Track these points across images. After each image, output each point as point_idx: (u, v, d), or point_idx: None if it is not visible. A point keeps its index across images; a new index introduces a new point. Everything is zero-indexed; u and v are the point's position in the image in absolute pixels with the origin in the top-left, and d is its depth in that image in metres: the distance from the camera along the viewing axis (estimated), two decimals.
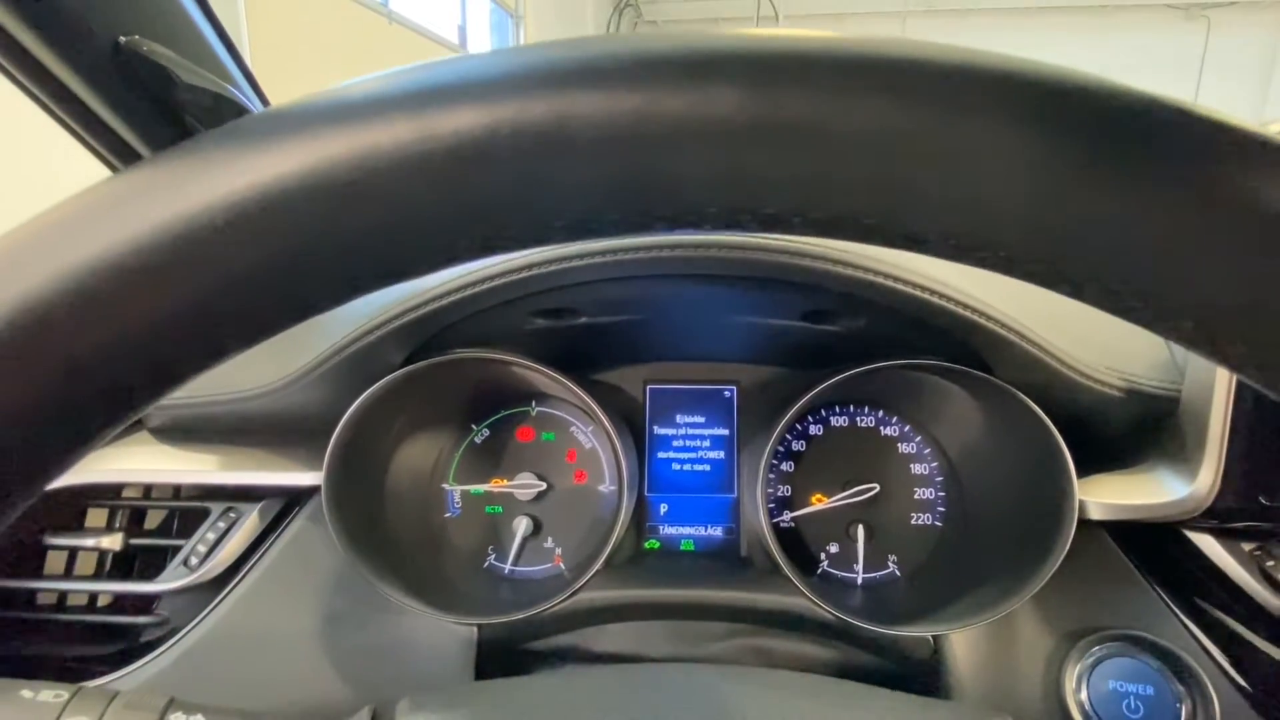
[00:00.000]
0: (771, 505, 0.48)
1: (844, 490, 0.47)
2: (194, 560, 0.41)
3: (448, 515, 0.48)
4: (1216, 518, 0.36)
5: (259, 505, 0.43)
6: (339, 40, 3.65)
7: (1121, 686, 0.38)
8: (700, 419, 0.50)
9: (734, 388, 0.49)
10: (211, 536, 0.42)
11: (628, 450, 0.45)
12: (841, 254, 0.36)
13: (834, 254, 0.36)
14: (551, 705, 0.32)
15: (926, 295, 0.36)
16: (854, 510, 0.47)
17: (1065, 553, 0.38)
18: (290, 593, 0.42)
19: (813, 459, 0.48)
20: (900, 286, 0.36)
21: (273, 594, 0.42)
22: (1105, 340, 0.40)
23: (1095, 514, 0.38)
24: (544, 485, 0.48)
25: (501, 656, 0.44)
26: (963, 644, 0.41)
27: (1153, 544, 0.39)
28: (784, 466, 0.49)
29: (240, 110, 0.40)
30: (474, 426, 0.48)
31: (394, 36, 4.27)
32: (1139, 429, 0.39)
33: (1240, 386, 0.35)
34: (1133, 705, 0.37)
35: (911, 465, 0.48)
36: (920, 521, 0.47)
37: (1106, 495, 0.38)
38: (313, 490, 0.40)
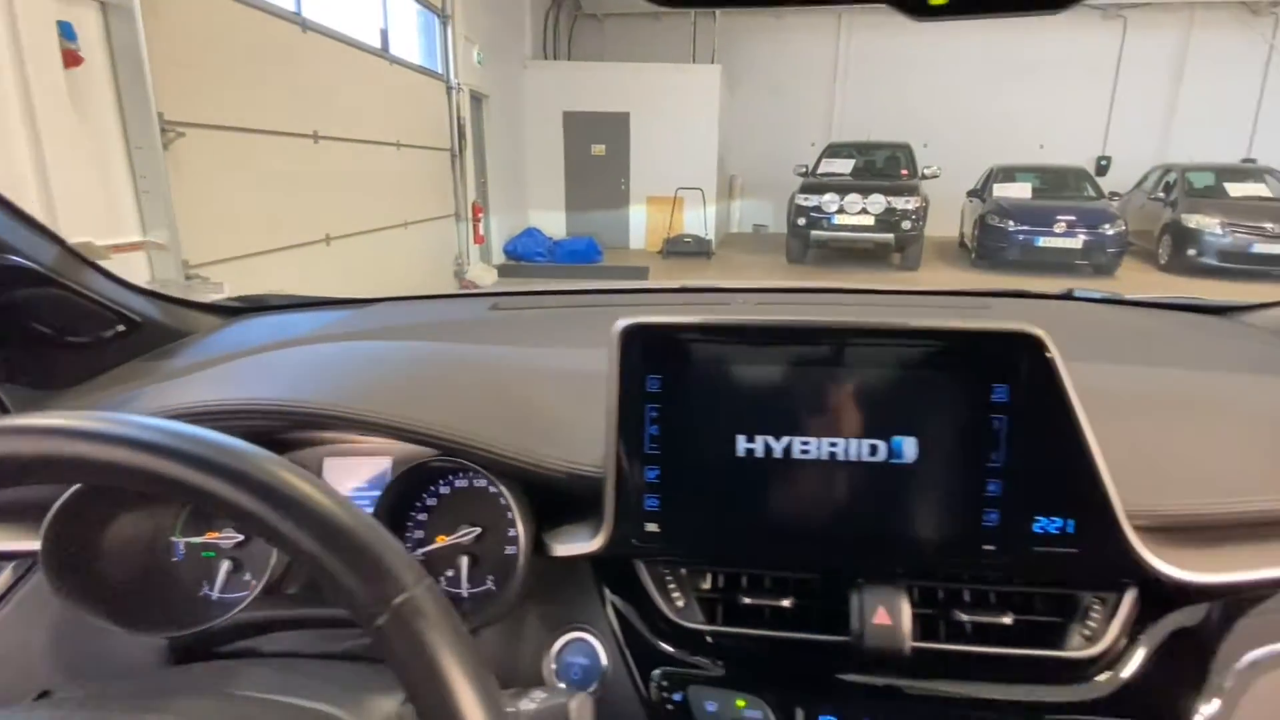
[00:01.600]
0: (409, 544, 0.69)
1: (457, 532, 0.68)
2: None
3: (175, 559, 0.68)
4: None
5: (11, 563, 0.62)
6: (249, 54, 3.72)
7: (574, 659, 0.60)
8: (364, 484, 0.71)
9: (390, 459, 0.70)
10: None
11: None
12: None
13: None
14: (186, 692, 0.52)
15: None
16: (464, 546, 0.68)
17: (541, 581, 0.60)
18: (22, 620, 0.62)
19: (440, 511, 0.69)
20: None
21: (11, 620, 0.62)
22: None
23: (559, 552, 0.60)
24: (241, 536, 0.68)
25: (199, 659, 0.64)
26: (487, 635, 0.62)
27: (606, 564, 0.61)
28: (420, 517, 0.70)
29: None
30: None
31: (310, 45, 4.34)
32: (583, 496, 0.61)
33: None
34: (576, 670, 0.60)
35: (507, 514, 0.69)
36: (508, 552, 0.69)
37: (561, 540, 0.60)
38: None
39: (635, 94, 8.87)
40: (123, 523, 0.64)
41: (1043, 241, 7.49)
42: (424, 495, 0.69)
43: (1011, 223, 7.61)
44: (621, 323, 0.55)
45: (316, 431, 0.68)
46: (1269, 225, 7.16)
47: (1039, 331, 0.52)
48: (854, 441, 0.54)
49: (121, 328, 0.82)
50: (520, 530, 0.59)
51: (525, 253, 8.27)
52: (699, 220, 8.94)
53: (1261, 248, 7.12)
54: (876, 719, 0.53)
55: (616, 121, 9.00)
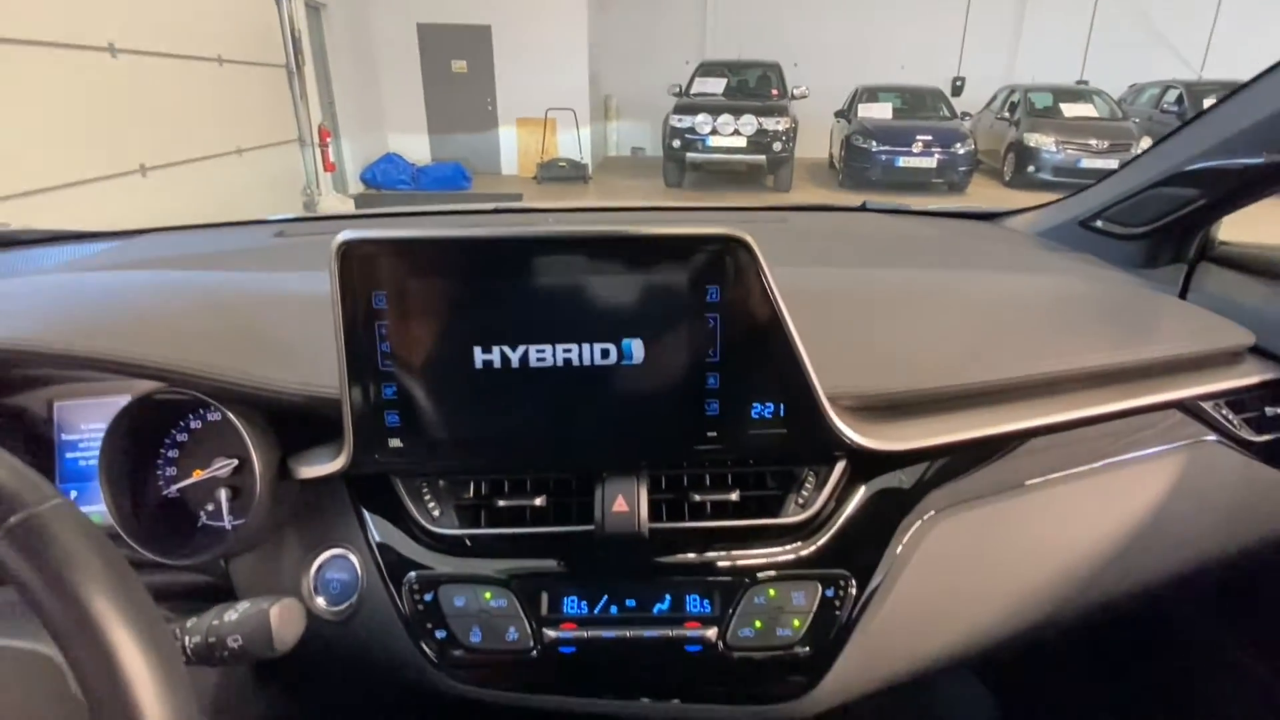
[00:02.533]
0: (161, 482, 0.66)
1: (212, 465, 0.66)
2: None
3: None
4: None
5: None
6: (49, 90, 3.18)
7: (332, 575, 0.61)
8: (101, 426, 0.66)
9: (128, 397, 0.66)
10: None
11: (37, 454, 0.61)
12: None
13: None
14: None
15: None
16: (223, 479, 0.66)
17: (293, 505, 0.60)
18: None
19: (194, 446, 0.67)
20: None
21: None
22: None
23: (304, 474, 0.60)
24: None
25: None
26: (243, 562, 0.62)
27: (362, 482, 0.62)
28: (172, 454, 0.67)
29: None
30: None
31: (123, 69, 3.76)
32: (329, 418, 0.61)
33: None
34: (335, 585, 0.61)
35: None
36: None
37: (305, 463, 0.60)
38: None
39: (496, 5, 8.30)
40: None
41: (902, 162, 7.90)
42: (174, 432, 0.66)
43: (874, 143, 7.95)
44: (338, 238, 0.53)
45: (32, 370, 0.63)
46: (1094, 142, 7.94)
47: (743, 234, 0.55)
48: (586, 346, 0.57)
49: None
50: (254, 457, 0.58)
51: (385, 180, 7.74)
52: (573, 143, 8.69)
53: (1088, 163, 7.88)
54: (612, 596, 0.58)
55: (477, 35, 8.42)
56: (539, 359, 0.57)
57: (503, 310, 0.56)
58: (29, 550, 0.31)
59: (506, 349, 0.56)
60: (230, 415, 0.58)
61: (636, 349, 0.57)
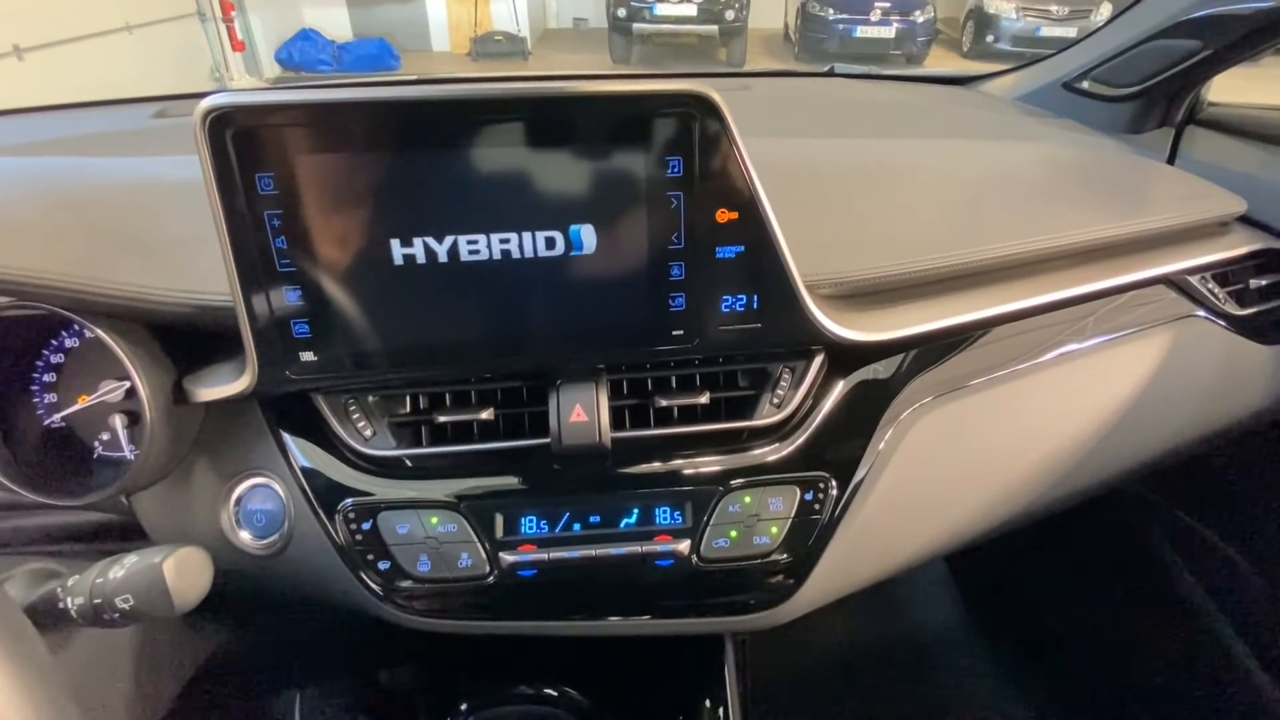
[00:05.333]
0: (40, 410, 0.56)
1: (99, 390, 0.57)
2: None
3: None
4: None
5: None
6: None
7: (256, 506, 0.54)
8: None
9: None
10: None
11: None
12: None
13: None
14: None
15: None
16: (115, 404, 0.57)
17: None
18: None
19: (75, 369, 0.57)
20: None
21: None
22: None
23: (203, 397, 0.51)
24: None
25: None
26: (149, 498, 0.55)
27: (277, 401, 0.54)
28: (47, 378, 0.57)
29: None
30: None
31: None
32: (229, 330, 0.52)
33: None
34: (259, 518, 0.55)
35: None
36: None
37: (203, 383, 0.51)
38: None
39: None
40: None
41: (860, 32, 7.52)
42: (45, 354, 0.56)
43: (831, 10, 7.51)
44: (203, 103, 0.42)
45: None
46: (1054, 8, 7.63)
47: (709, 92, 0.46)
48: (528, 235, 0.48)
49: None
50: (139, 380, 0.49)
51: (304, 61, 7.01)
52: (509, 15, 7.96)
53: (1047, 31, 7.62)
54: (574, 514, 0.53)
55: None
56: (471, 252, 0.48)
57: (424, 194, 0.46)
58: None
59: (431, 241, 0.47)
60: (101, 333, 0.48)
61: (587, 236, 0.49)
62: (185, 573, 0.37)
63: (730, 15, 7.20)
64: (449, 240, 0.47)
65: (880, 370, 0.59)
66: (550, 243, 0.48)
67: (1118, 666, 1.00)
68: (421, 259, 0.48)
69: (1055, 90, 0.96)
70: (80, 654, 0.51)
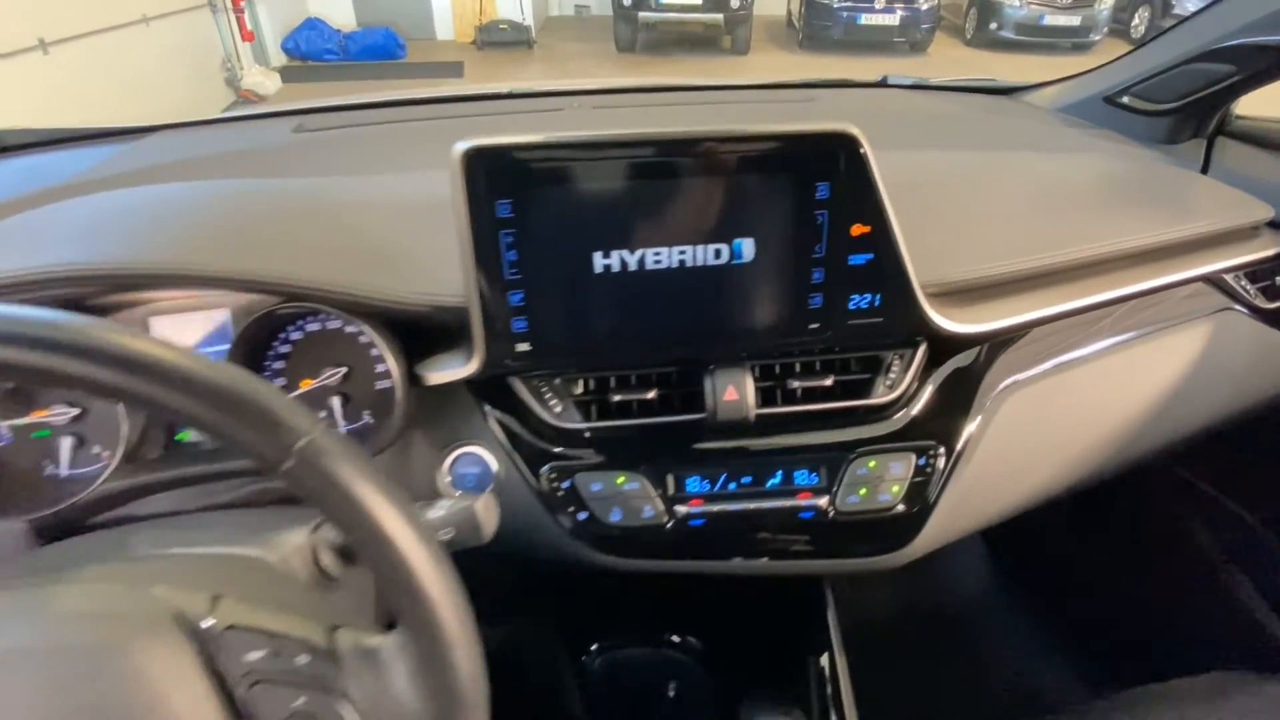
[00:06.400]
0: None
1: (321, 375, 0.67)
2: None
3: (2, 444, 0.62)
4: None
5: None
6: None
7: (466, 470, 0.65)
8: (202, 338, 0.66)
9: (228, 310, 0.65)
10: None
11: None
12: None
13: None
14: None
15: None
16: (333, 387, 0.68)
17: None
18: None
19: (300, 355, 0.67)
20: None
21: None
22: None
23: (434, 381, 0.62)
24: (78, 409, 0.63)
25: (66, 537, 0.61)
26: (378, 462, 0.66)
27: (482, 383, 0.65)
28: (276, 365, 0.67)
29: None
30: None
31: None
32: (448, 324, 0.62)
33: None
34: (470, 479, 0.65)
35: (371, 349, 0.69)
36: (383, 385, 0.69)
37: (434, 369, 0.62)
38: None
39: None
40: None
41: (864, 19, 7.56)
42: (274, 343, 0.66)
43: None
44: (460, 146, 0.52)
45: (137, 293, 0.61)
46: None
47: (854, 130, 0.56)
48: (700, 248, 0.59)
49: None
50: (392, 365, 0.59)
51: (311, 50, 7.04)
52: (514, 4, 7.98)
53: (1050, 19, 7.69)
54: (730, 474, 0.64)
55: None
56: (655, 261, 0.59)
57: (621, 214, 0.57)
58: (317, 470, 0.34)
59: (625, 253, 0.58)
60: (365, 328, 0.59)
61: (747, 248, 0.59)
62: (489, 510, 0.48)
63: (736, 4, 7.24)
64: (639, 253, 0.58)
65: (971, 357, 0.70)
66: (718, 253, 0.59)
67: (1141, 623, 1.12)
68: (616, 268, 0.58)
69: (1095, 103, 1.06)
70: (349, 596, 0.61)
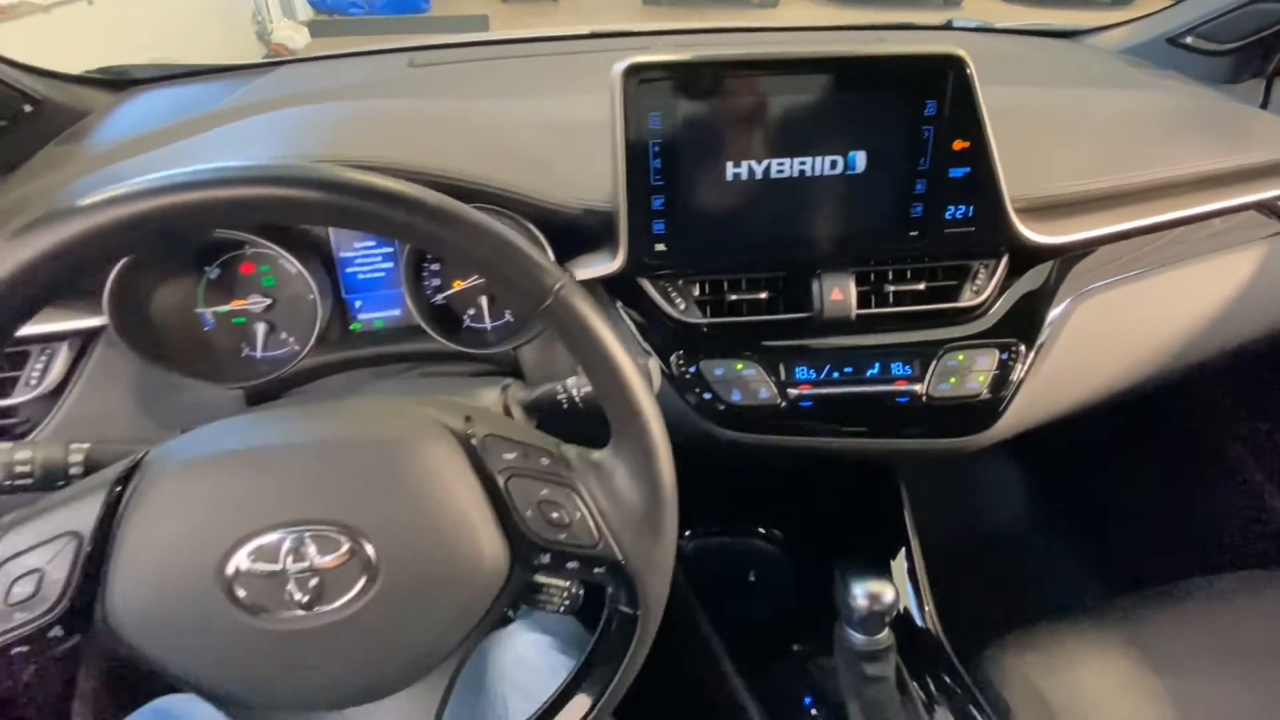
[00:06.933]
0: (429, 291, 0.76)
1: (473, 276, 0.76)
2: (33, 380, 0.62)
3: (206, 329, 0.72)
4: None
5: (66, 341, 0.64)
6: None
7: None
8: (371, 242, 0.75)
9: None
10: (40, 365, 0.62)
11: (317, 270, 0.70)
12: None
13: None
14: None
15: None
16: (481, 287, 0.77)
17: None
18: (104, 388, 0.66)
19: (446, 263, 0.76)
20: None
21: (94, 390, 0.65)
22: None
23: (581, 277, 0.70)
24: (270, 300, 0.72)
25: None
26: (530, 350, 0.75)
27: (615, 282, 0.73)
28: (433, 265, 0.76)
29: None
30: (206, 268, 0.70)
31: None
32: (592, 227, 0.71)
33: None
34: None
35: None
36: None
37: (580, 266, 0.70)
38: (103, 327, 0.62)
39: None
40: (157, 297, 0.66)
41: None
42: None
43: None
44: (624, 62, 0.60)
45: None
46: None
47: (963, 52, 0.64)
48: (818, 159, 0.67)
49: (28, 108, 0.74)
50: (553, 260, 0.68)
51: (336, 4, 7.00)
52: None
53: None
54: (833, 365, 0.72)
55: None
56: (778, 171, 0.67)
57: (755, 127, 0.65)
58: (569, 308, 0.43)
59: (753, 163, 0.66)
60: (531, 226, 0.67)
61: (860, 160, 0.67)
62: (656, 370, 0.57)
63: None
64: (766, 163, 0.66)
65: (1047, 270, 0.78)
66: (833, 164, 0.67)
67: (1182, 533, 1.21)
68: (744, 176, 0.66)
69: (1158, 45, 1.11)
70: None
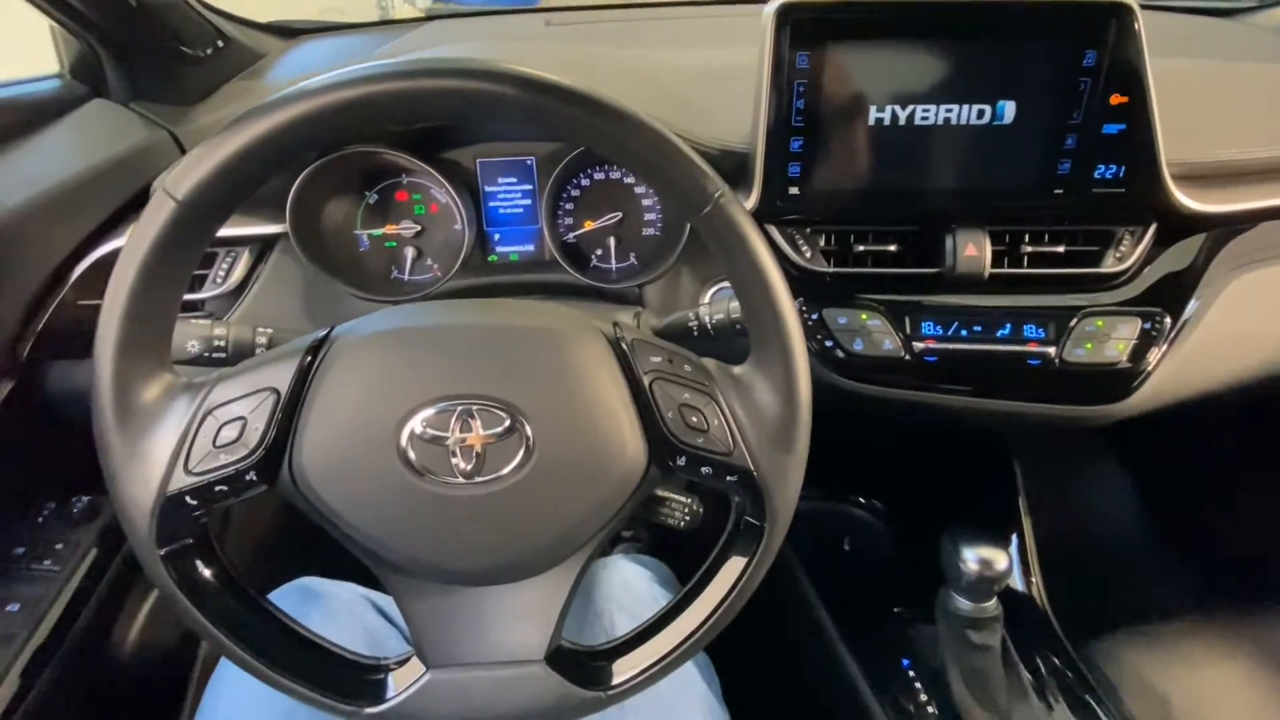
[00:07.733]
0: (561, 229, 0.80)
1: (603, 217, 0.79)
2: (219, 278, 0.70)
3: (361, 250, 0.78)
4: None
5: (248, 247, 0.72)
6: None
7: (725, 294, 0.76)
8: (514, 179, 0.79)
9: (534, 158, 0.78)
10: (225, 266, 0.70)
11: (465, 201, 0.75)
12: None
13: None
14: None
15: None
16: (609, 229, 0.80)
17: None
18: (277, 289, 0.74)
19: (585, 200, 0.79)
20: None
21: (269, 290, 0.73)
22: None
23: None
24: (419, 227, 0.78)
25: None
26: (654, 289, 0.77)
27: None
28: (567, 205, 0.79)
29: None
30: (366, 193, 0.76)
31: None
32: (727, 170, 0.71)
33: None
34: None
35: (643, 200, 0.80)
36: (648, 233, 0.81)
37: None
38: (281, 235, 0.69)
39: None
40: (325, 215, 0.73)
41: None
42: (568, 188, 0.79)
43: None
44: (776, 2, 0.61)
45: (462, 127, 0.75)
46: None
47: (1133, 1, 0.61)
48: (965, 107, 0.65)
49: (220, 43, 0.82)
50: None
51: None
52: None
53: None
54: (961, 323, 0.71)
55: None
56: (923, 118, 0.66)
57: (898, 71, 0.65)
58: (725, 216, 0.44)
59: (898, 107, 0.66)
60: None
61: (1009, 110, 0.66)
62: None
63: None
64: (910, 108, 0.65)
65: (1198, 242, 0.73)
66: (980, 113, 0.66)
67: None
68: (887, 121, 0.66)
69: None
70: None
